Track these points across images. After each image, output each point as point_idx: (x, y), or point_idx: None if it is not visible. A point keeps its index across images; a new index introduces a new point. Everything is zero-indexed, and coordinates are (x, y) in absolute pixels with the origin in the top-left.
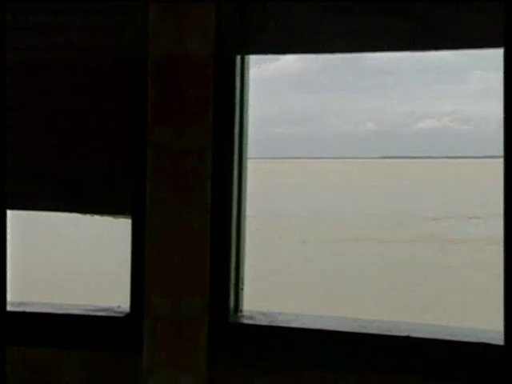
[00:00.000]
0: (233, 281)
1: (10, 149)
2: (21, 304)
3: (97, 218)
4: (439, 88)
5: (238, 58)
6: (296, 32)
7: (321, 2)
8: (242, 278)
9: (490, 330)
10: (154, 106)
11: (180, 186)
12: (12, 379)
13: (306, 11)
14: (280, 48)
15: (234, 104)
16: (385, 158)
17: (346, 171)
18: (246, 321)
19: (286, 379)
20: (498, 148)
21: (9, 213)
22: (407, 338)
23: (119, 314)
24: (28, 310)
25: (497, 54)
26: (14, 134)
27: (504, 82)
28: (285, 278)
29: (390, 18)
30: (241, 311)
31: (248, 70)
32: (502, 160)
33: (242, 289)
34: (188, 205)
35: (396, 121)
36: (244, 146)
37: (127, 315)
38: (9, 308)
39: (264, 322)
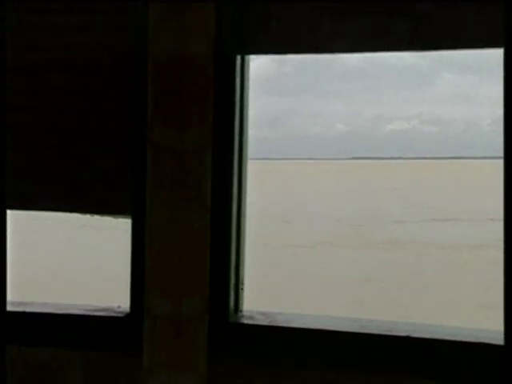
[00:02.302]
0: (233, 281)
1: (10, 149)
2: (21, 304)
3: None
4: (408, 91)
5: (238, 57)
6: (296, 32)
7: (321, 1)
8: (242, 278)
9: (490, 330)
10: (154, 106)
11: (180, 185)
12: (12, 379)
13: (306, 11)
14: (280, 48)
15: (233, 104)
16: (355, 158)
17: (316, 172)
18: (245, 321)
19: (286, 379)
20: (465, 149)
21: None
22: (407, 338)
23: (119, 314)
24: (28, 309)
25: (463, 58)
26: (13, 134)
27: (504, 81)
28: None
29: (390, 17)
30: (241, 311)
31: (248, 69)
32: (468, 161)
33: (242, 289)
34: (188, 205)
35: (366, 122)
36: (244, 145)
37: (127, 315)
38: (9, 308)
39: (264, 321)
